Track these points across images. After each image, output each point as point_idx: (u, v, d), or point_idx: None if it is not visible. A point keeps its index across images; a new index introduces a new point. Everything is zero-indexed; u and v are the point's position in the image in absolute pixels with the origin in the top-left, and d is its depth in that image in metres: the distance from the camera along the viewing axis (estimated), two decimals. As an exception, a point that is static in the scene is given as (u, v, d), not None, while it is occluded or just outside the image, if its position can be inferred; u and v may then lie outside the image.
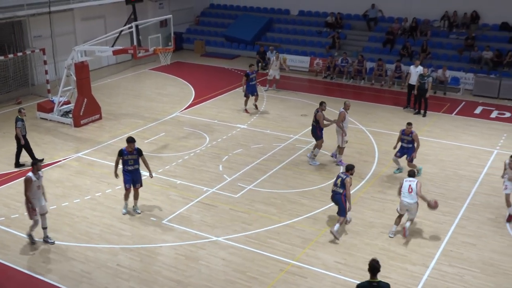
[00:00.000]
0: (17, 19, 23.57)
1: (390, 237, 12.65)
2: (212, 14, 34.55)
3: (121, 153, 13.33)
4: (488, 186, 15.20)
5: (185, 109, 21.85)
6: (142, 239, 12.61)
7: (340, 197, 12.48)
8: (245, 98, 21.13)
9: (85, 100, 19.93)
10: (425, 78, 20.59)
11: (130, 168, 13.35)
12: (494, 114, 21.29)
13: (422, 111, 21.05)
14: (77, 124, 19.77)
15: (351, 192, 12.63)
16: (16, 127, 16.25)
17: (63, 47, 24.99)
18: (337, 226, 12.53)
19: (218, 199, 14.43)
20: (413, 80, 21.24)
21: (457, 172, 16.08)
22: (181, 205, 14.09)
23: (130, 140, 13.28)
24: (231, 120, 20.41)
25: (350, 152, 17.36)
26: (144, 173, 13.91)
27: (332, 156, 16.95)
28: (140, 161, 13.48)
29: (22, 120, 16.34)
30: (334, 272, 11.39)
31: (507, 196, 13.28)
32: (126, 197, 13.65)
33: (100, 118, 20.57)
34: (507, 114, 21.25)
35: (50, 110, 20.55)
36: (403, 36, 27.69)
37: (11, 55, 22.46)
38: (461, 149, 17.81)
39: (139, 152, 13.40)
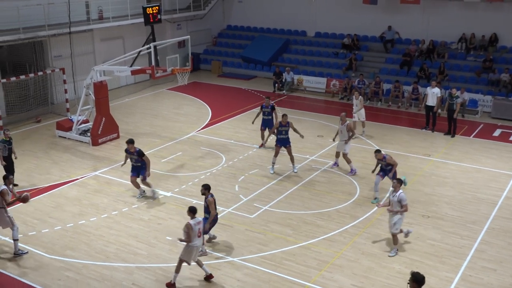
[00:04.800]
0: (39, 39, 24.07)
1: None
2: (229, 35, 34.89)
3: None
4: (508, 210, 14.96)
5: (201, 129, 21.96)
6: (157, 258, 12.60)
7: None
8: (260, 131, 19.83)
9: (103, 119, 20.14)
10: (454, 98, 20.61)
11: (135, 164, 15.36)
12: (513, 137, 21.09)
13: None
14: (95, 143, 19.95)
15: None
16: None
17: (82, 66, 25.38)
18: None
19: (234, 219, 14.39)
20: (430, 101, 21.25)
21: (476, 196, 15.87)
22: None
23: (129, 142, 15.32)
24: (248, 140, 20.44)
25: (366, 174, 17.26)
26: (163, 192, 13.92)
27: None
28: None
29: (3, 141, 15.91)
30: (351, 295, 11.25)
31: None
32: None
33: (118, 137, 20.75)
34: (527, 137, 21.03)
35: (69, 129, 20.79)
36: (420, 58, 27.66)
37: (31, 75, 22.86)
38: (480, 172, 17.60)
39: (140, 154, 15.18)
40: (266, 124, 19.43)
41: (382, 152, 15.23)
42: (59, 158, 18.82)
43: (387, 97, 25.62)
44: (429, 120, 21.72)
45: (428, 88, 21.69)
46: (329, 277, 11.85)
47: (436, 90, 21.21)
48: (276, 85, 28.08)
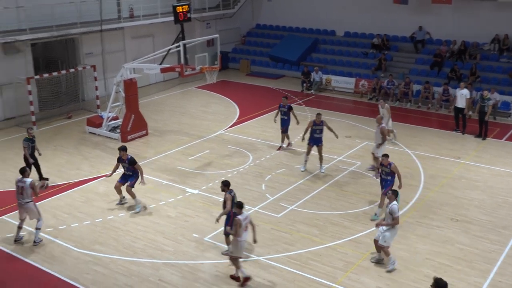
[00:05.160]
0: (71, 37, 24.48)
1: None
2: (258, 34, 34.91)
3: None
4: (540, 215, 14.64)
5: (229, 127, 22.04)
6: (184, 255, 12.69)
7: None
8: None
9: (133, 116, 20.37)
10: (485, 100, 20.26)
11: (126, 173, 14.98)
12: (546, 141, 20.59)
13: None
14: (124, 140, 20.19)
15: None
16: (23, 147, 16.15)
17: (113, 64, 25.72)
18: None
19: (260, 218, 14.39)
20: (459, 103, 21.03)
21: (508, 200, 15.55)
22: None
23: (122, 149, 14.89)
24: (275, 139, 20.41)
25: (395, 175, 17.10)
26: (190, 190, 13.97)
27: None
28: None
29: (27, 140, 16.12)
30: (377, 297, 11.16)
31: None
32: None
33: (146, 134, 20.97)
34: (561, 141, 20.51)
35: (99, 125, 21.09)
36: (451, 59, 27.24)
37: (63, 71, 23.24)
38: (512, 175, 17.27)
39: (131, 162, 14.73)
40: (283, 123, 19.23)
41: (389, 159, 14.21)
42: (89, 154, 19.12)
43: (417, 98, 25.31)
44: (458, 122, 21.39)
45: (457, 89, 21.39)
46: (355, 278, 11.77)
47: (465, 92, 20.90)
48: (304, 84, 28.01)
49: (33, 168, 16.07)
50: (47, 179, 16.61)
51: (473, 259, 12.51)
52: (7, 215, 14.56)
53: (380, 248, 12.05)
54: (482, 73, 25.75)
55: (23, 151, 16.24)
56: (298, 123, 18.98)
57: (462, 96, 20.93)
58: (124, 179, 14.94)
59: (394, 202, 11.88)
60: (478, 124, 20.72)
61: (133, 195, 14.80)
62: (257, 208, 14.98)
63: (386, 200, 12.41)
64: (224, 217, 12.26)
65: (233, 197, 12.42)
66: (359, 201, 15.39)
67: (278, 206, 15.13)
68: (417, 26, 28.82)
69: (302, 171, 17.39)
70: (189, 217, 14.48)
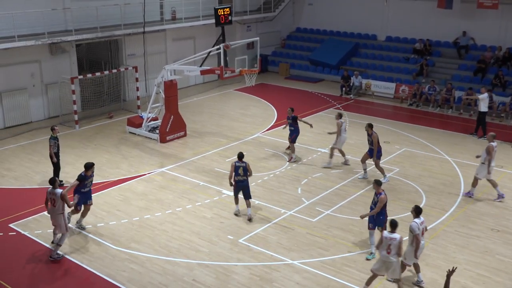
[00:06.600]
0: (114, 38, 25.00)
1: None
2: (298, 38, 34.86)
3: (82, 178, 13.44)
4: None
5: (266, 130, 22.07)
6: (218, 256, 12.77)
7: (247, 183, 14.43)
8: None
9: (172, 117, 20.63)
10: None
11: (86, 189, 13.62)
12: None
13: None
14: (163, 140, 20.48)
15: None
16: (49, 145, 16.04)
17: (154, 65, 26.12)
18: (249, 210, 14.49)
19: (295, 222, 14.37)
20: (481, 107, 21.21)
21: (553, 212, 15.06)
22: (258, 226, 14.16)
23: (90, 166, 13.51)
24: (312, 143, 20.36)
25: (434, 183, 16.79)
26: (226, 192, 14.02)
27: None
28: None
29: (53, 138, 16.03)
30: (412, 306, 10.96)
31: None
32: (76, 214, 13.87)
33: (185, 135, 21.21)
34: None
35: (139, 126, 21.45)
36: (495, 65, 26.57)
37: (106, 72, 23.75)
38: (557, 187, 16.68)
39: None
40: (290, 134, 18.85)
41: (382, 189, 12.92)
42: (128, 154, 19.46)
43: (459, 105, 24.78)
44: (485, 128, 21.17)
45: (480, 94, 21.49)
46: (391, 286, 11.59)
47: (485, 96, 21.16)
48: (344, 89, 27.80)
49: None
50: (61, 181, 16.08)
51: (514, 272, 12.17)
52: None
53: (403, 264, 11.46)
54: (528, 80, 25.04)
55: (49, 150, 16.12)
56: (311, 126, 19.24)
57: (482, 100, 21.16)
58: (84, 198, 13.73)
59: (415, 219, 11.23)
60: None
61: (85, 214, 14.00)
62: (293, 211, 14.95)
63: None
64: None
65: (238, 167, 14.12)
66: (396, 208, 15.15)
67: (314, 210, 15.06)
68: (461, 31, 28.22)
69: (359, 178, 17.18)
70: (225, 219, 14.56)
